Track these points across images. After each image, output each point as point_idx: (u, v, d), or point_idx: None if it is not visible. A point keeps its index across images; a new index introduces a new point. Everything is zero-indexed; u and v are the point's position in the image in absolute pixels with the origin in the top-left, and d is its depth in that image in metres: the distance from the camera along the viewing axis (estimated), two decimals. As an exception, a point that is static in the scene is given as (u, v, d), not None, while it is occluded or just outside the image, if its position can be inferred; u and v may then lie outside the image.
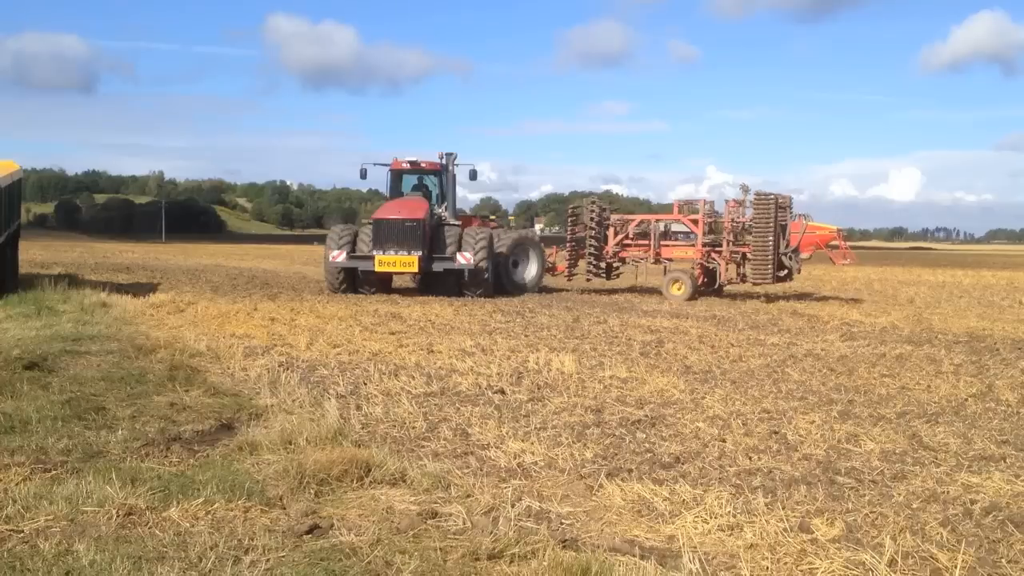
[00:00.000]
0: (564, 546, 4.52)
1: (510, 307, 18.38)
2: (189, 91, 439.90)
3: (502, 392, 8.67)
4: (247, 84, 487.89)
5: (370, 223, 20.93)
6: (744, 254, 21.63)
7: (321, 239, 27.48)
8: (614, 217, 23.96)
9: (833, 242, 22.74)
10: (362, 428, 7.03)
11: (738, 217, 21.91)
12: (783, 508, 5.15)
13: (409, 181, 22.83)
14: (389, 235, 20.10)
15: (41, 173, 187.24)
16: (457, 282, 20.95)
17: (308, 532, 4.64)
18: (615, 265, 23.67)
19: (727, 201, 22.43)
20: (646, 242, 23.01)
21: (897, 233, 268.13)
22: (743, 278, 22.02)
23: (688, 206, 23.09)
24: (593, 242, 23.06)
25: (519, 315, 16.63)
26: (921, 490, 5.61)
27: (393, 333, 13.31)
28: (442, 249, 20.58)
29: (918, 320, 17.40)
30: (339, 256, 20.63)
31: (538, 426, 7.22)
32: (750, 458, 6.35)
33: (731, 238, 21.86)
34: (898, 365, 11.09)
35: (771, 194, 20.96)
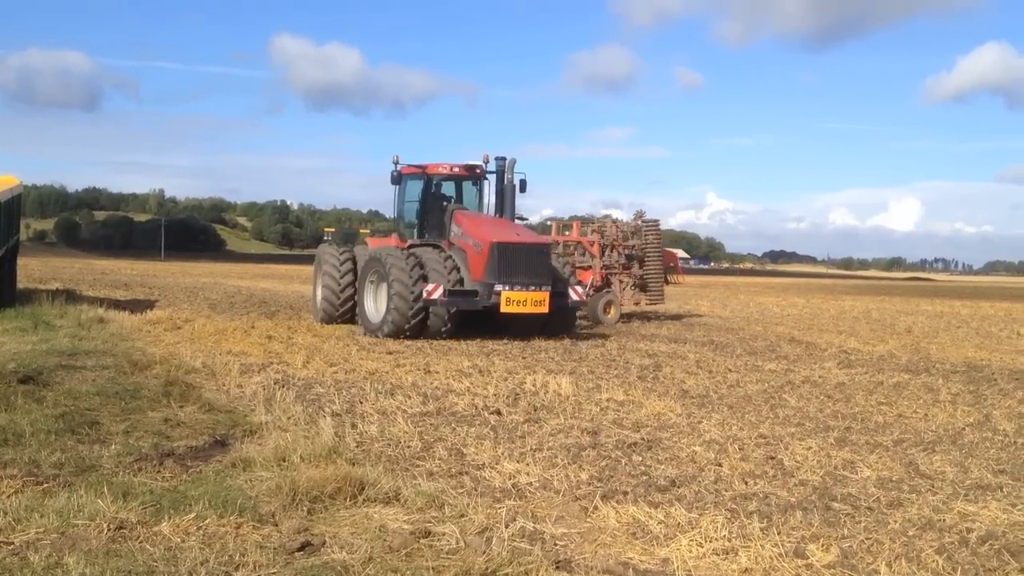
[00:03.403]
0: (558, 567, 4.50)
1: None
2: (192, 110, 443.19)
3: (498, 413, 8.64)
4: (251, 104, 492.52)
5: (432, 247, 16.28)
6: (639, 276, 22.46)
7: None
8: None
9: (671, 265, 23.86)
10: (357, 446, 7.00)
11: (627, 240, 22.51)
12: (778, 533, 5.12)
13: (419, 189, 17.53)
14: (517, 265, 15.35)
15: (41, 189, 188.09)
16: (547, 322, 16.34)
17: (300, 549, 4.61)
18: None
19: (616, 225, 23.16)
20: None
21: (895, 263, 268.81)
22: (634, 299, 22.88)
23: (588, 226, 23.47)
24: None
25: (517, 337, 16.59)
26: (917, 518, 5.58)
27: (390, 353, 13.29)
28: None
29: (916, 349, 17.39)
30: (436, 291, 15.02)
31: (534, 447, 7.19)
32: (746, 483, 6.33)
33: (624, 261, 22.46)
34: (895, 393, 11.07)
35: (657, 220, 22.54)
